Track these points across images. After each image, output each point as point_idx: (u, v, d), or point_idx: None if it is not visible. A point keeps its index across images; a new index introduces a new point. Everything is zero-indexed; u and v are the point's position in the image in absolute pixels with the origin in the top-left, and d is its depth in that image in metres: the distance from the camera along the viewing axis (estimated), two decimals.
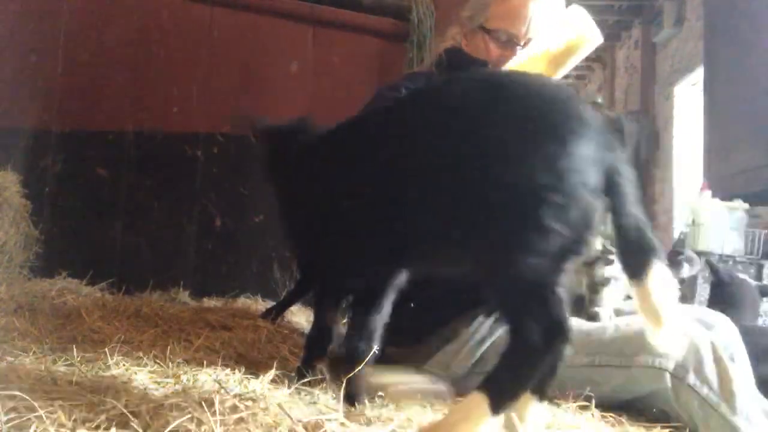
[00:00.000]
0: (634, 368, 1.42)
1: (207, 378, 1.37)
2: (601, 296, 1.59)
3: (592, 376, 1.45)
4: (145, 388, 1.25)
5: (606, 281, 1.60)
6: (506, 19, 1.76)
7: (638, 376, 1.42)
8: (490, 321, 1.62)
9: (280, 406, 1.22)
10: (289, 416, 1.21)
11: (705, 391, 1.36)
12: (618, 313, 1.62)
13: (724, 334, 1.60)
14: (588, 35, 1.46)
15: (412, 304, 1.71)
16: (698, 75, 5.92)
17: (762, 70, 4.24)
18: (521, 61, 1.47)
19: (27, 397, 1.15)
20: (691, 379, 1.37)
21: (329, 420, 1.20)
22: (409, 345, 1.65)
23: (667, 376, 1.39)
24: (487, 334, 1.60)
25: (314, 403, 1.33)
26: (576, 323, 1.55)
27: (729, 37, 4.83)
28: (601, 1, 7.13)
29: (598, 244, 1.59)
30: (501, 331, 1.59)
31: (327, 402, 1.35)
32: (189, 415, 1.14)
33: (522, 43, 1.77)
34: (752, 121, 4.32)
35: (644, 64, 7.19)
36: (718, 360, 1.38)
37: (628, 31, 7.73)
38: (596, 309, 1.57)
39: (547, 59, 1.45)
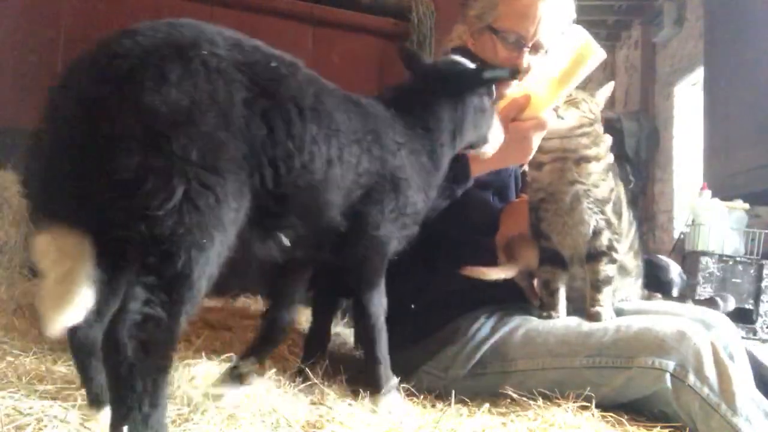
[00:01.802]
0: (634, 369, 1.42)
1: (206, 379, 1.37)
2: (603, 295, 1.58)
3: (592, 377, 1.45)
4: None
5: (609, 280, 1.58)
6: (515, 19, 1.74)
7: (638, 378, 1.42)
8: (490, 323, 1.62)
9: (274, 410, 1.23)
10: (286, 418, 1.21)
11: (706, 391, 1.36)
12: (619, 312, 1.62)
13: (724, 334, 1.60)
14: (591, 52, 1.48)
15: (412, 305, 1.71)
16: (698, 75, 5.91)
17: (762, 70, 4.24)
18: (540, 90, 1.51)
19: (27, 397, 1.15)
20: (692, 379, 1.37)
21: (329, 421, 1.20)
22: (408, 345, 1.65)
23: (668, 377, 1.39)
24: (487, 336, 1.59)
25: (315, 403, 1.33)
26: (576, 324, 1.54)
27: (729, 37, 4.83)
28: (601, 1, 7.12)
29: (604, 239, 1.58)
30: (502, 333, 1.59)
31: (327, 402, 1.35)
32: (186, 415, 1.14)
33: (530, 45, 1.75)
34: (752, 121, 4.32)
35: (644, 64, 7.18)
36: (718, 360, 1.38)
37: (628, 31, 7.71)
38: (598, 309, 1.56)
39: (558, 79, 1.49)
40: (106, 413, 1.04)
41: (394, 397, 1.38)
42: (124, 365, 0.87)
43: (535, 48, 1.76)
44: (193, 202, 0.95)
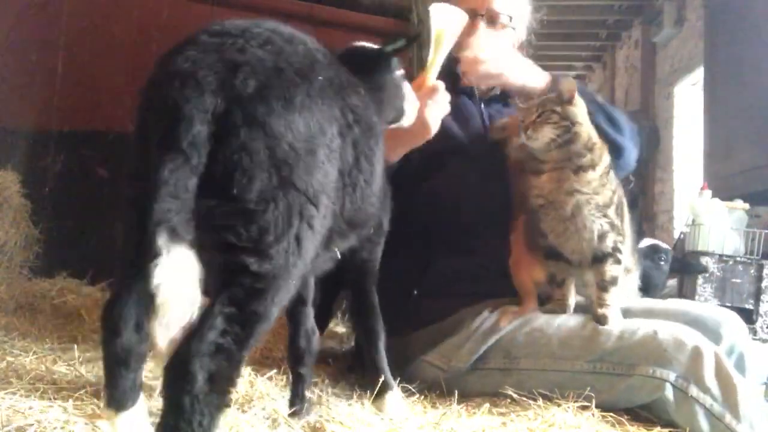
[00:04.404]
0: (635, 377, 1.42)
1: None
2: (609, 295, 1.58)
3: (593, 382, 1.44)
4: (145, 389, 1.24)
5: (615, 281, 1.58)
6: None
7: (639, 386, 1.42)
8: (493, 317, 1.62)
9: (274, 410, 1.22)
10: (286, 418, 1.21)
11: (709, 401, 1.35)
12: (626, 312, 1.61)
13: (731, 333, 1.59)
14: (441, 19, 1.60)
15: (415, 292, 1.71)
16: (698, 75, 5.90)
17: (762, 70, 4.24)
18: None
19: (27, 397, 1.15)
20: (694, 390, 1.37)
21: (328, 420, 1.20)
22: (408, 332, 1.65)
23: (669, 386, 1.38)
24: (491, 331, 1.59)
25: (315, 403, 1.33)
26: (580, 326, 1.54)
27: (729, 37, 4.82)
28: (601, 1, 7.11)
29: (609, 242, 1.58)
30: (506, 330, 1.58)
31: (327, 402, 1.35)
32: None
33: (483, 14, 1.81)
34: (752, 121, 4.32)
35: (644, 64, 7.16)
36: (720, 369, 1.37)
37: (628, 31, 7.70)
38: (605, 311, 1.55)
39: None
40: (123, 417, 1.04)
41: (398, 395, 1.38)
42: (188, 396, 0.82)
43: (491, 18, 1.82)
44: (301, 241, 0.91)
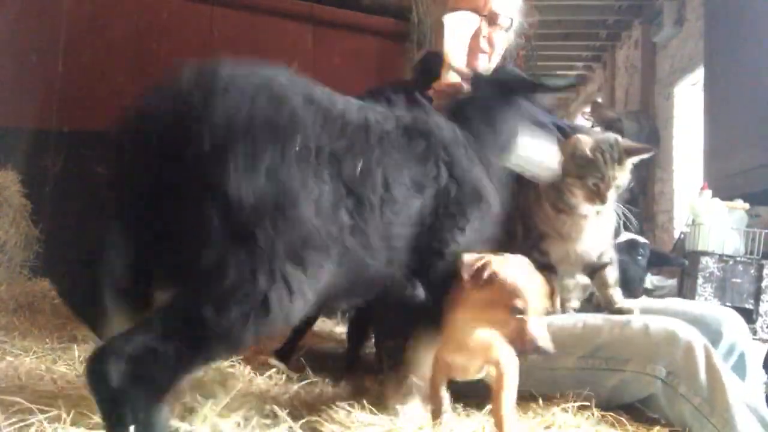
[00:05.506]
0: (627, 373, 1.42)
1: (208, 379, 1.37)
2: (618, 292, 1.61)
3: (586, 378, 1.44)
4: None
5: (617, 281, 1.63)
6: None
7: (630, 382, 1.41)
8: None
9: (274, 410, 1.22)
10: (286, 418, 1.21)
11: (697, 400, 1.34)
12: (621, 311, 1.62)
13: (732, 333, 1.58)
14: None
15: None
16: (698, 75, 5.89)
17: (762, 71, 4.24)
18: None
19: (27, 397, 1.15)
20: (683, 388, 1.36)
21: (328, 420, 1.20)
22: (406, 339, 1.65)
23: (659, 383, 1.38)
24: None
25: (315, 402, 1.33)
26: (571, 324, 1.53)
27: (729, 37, 4.82)
28: (601, 1, 7.11)
29: (605, 256, 1.62)
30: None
31: (328, 402, 1.35)
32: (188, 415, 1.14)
33: (485, 14, 1.77)
34: (752, 121, 4.31)
35: (644, 64, 7.16)
36: (711, 368, 1.36)
37: (628, 31, 7.70)
38: (621, 305, 1.58)
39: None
40: None
41: (419, 404, 1.36)
42: (108, 392, 0.85)
43: (492, 20, 1.79)
44: (268, 302, 0.87)
